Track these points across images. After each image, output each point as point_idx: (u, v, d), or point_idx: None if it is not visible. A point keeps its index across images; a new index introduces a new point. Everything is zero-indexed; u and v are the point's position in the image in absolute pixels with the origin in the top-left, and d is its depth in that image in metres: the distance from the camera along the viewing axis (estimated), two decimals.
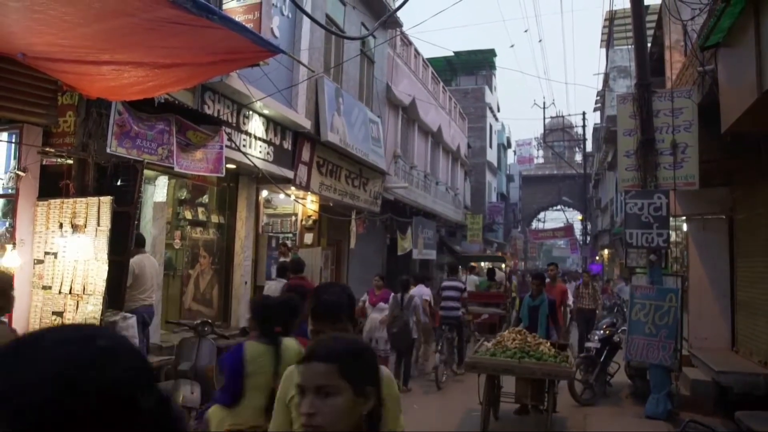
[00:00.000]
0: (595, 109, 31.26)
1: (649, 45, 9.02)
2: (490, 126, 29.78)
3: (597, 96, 28.66)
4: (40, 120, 5.14)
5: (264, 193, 9.69)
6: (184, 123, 6.19)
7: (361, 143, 11.80)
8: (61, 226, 4.86)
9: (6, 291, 2.92)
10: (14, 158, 5.16)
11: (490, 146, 29.85)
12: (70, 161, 5.25)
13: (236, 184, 9.01)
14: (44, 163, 5.30)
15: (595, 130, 30.86)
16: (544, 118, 29.76)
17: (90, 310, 4.49)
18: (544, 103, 33.37)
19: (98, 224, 4.67)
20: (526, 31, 22.84)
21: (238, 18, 7.11)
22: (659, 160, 7.01)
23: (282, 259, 8.99)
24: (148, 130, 5.71)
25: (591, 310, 10.68)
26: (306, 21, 9.51)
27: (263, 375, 2.82)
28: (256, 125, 8.58)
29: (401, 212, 15.34)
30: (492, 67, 31.25)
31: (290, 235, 10.72)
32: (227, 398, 2.86)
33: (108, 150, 5.21)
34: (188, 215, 8.27)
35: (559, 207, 44.02)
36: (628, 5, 9.22)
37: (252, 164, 7.86)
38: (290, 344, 2.94)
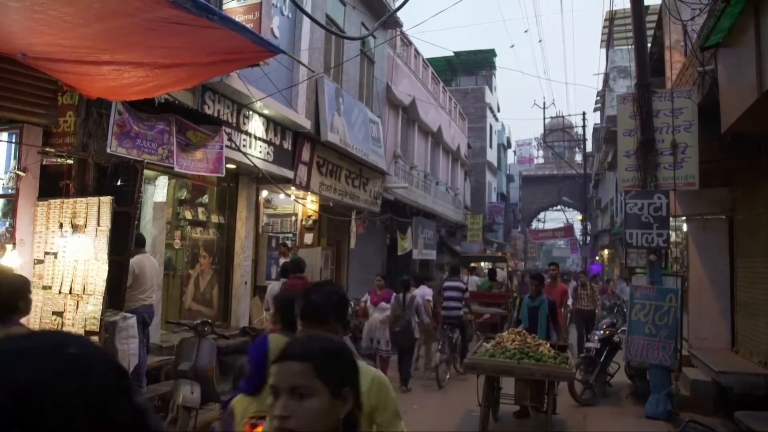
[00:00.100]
0: (595, 109, 31.27)
1: (649, 45, 9.02)
2: (490, 126, 29.79)
3: (597, 96, 28.66)
4: (40, 120, 5.14)
5: (264, 193, 9.70)
6: (184, 123, 6.19)
7: (361, 143, 11.81)
8: (61, 226, 4.86)
9: (24, 294, 2.96)
10: (14, 158, 5.16)
11: (490, 146, 29.86)
12: (70, 161, 5.25)
13: (236, 184, 9.01)
14: (44, 163, 5.30)
15: (595, 130, 30.87)
16: (544, 118, 29.76)
17: (90, 310, 4.49)
18: (544, 103, 33.36)
19: (98, 224, 4.67)
20: (526, 31, 22.85)
21: (238, 18, 7.11)
22: (659, 160, 7.01)
23: (283, 260, 8.99)
24: (148, 130, 5.71)
25: (590, 311, 10.66)
26: (306, 21, 9.51)
27: None
28: (256, 125, 8.58)
29: (401, 212, 15.34)
30: (492, 67, 31.26)
31: (290, 235, 10.72)
32: (251, 387, 2.97)
33: (108, 150, 5.21)
34: (188, 215, 8.27)
35: (559, 207, 44.02)
36: (628, 5, 9.22)
37: (252, 164, 7.87)
38: None
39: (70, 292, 4.63)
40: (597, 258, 30.30)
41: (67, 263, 4.72)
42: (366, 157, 12.03)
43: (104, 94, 4.89)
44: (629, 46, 20.38)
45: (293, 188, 9.81)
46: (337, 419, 1.20)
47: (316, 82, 10.14)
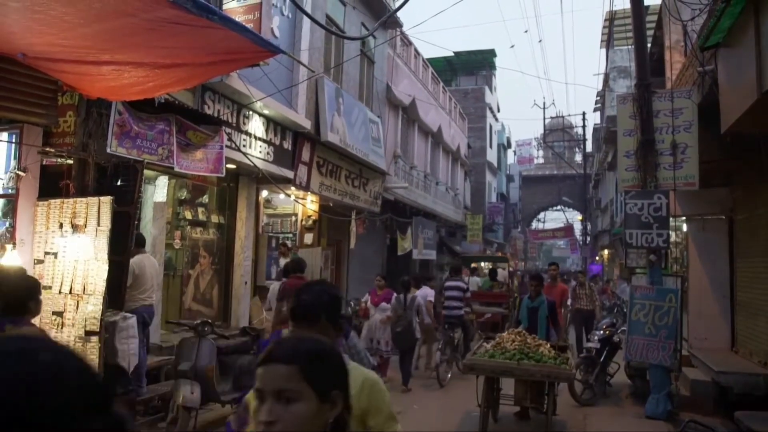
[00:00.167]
0: (595, 110, 31.27)
1: (649, 45, 9.02)
2: (490, 126, 29.79)
3: (597, 96, 28.66)
4: (41, 120, 5.14)
5: (264, 193, 9.70)
6: (184, 123, 6.19)
7: (361, 143, 11.81)
8: (61, 226, 4.86)
9: (35, 295, 3.02)
10: (14, 158, 5.16)
11: (490, 146, 29.86)
12: (70, 161, 5.25)
13: (236, 184, 9.01)
14: (44, 163, 5.30)
15: (595, 130, 30.86)
16: (544, 119, 29.75)
17: (90, 310, 4.49)
18: (544, 104, 33.39)
19: (98, 224, 4.67)
20: (526, 31, 22.88)
21: (238, 18, 7.11)
22: (659, 161, 7.01)
23: (283, 260, 9.00)
24: (148, 130, 5.71)
25: (589, 311, 10.60)
26: (306, 21, 9.51)
27: None
28: (256, 125, 8.58)
29: (401, 212, 15.34)
30: (492, 67, 31.27)
31: (290, 235, 10.72)
32: None
33: (108, 150, 5.21)
34: (188, 215, 8.27)
35: (559, 207, 44.02)
36: (628, 5, 9.22)
37: (252, 164, 7.87)
38: None
39: (70, 292, 4.63)
40: (597, 258, 30.29)
41: (67, 263, 4.72)
42: (366, 157, 12.03)
43: (104, 94, 4.89)
44: (629, 46, 20.39)
45: (293, 188, 9.81)
46: (325, 423, 1.16)
47: (316, 82, 10.14)
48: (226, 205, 9.03)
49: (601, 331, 7.97)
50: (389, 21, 12.69)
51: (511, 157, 42.31)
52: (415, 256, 15.84)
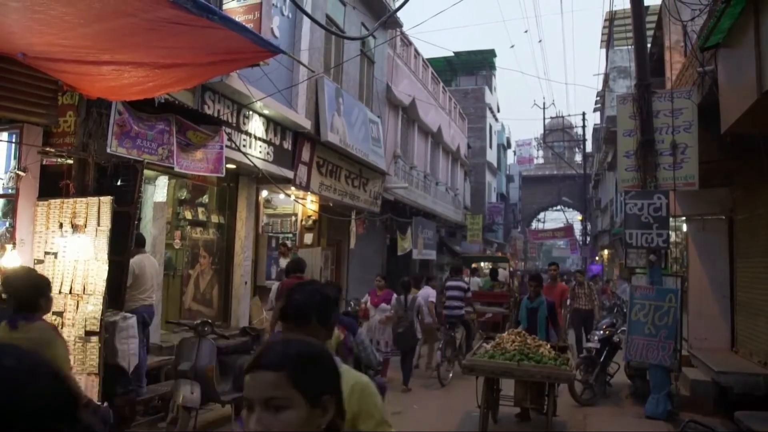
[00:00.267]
0: (595, 110, 31.27)
1: (649, 45, 9.02)
2: (490, 126, 29.80)
3: (597, 96, 28.67)
4: (41, 120, 5.13)
5: (264, 193, 9.70)
6: (184, 123, 6.19)
7: (361, 143, 11.81)
8: (61, 226, 4.86)
9: (46, 293, 3.12)
10: (14, 158, 5.16)
11: (490, 146, 29.87)
12: (70, 161, 5.25)
13: (236, 184, 9.01)
14: (44, 163, 5.29)
15: (595, 130, 30.87)
16: (544, 119, 29.78)
17: (90, 310, 4.49)
18: (543, 104, 33.46)
19: (98, 224, 4.67)
20: (526, 31, 22.91)
21: (238, 18, 7.11)
22: (659, 161, 7.01)
23: (283, 260, 9.00)
24: (148, 130, 5.71)
25: (588, 310, 10.53)
26: (306, 21, 9.51)
27: None
28: (256, 125, 8.58)
29: (401, 212, 15.35)
30: (492, 67, 31.27)
31: (290, 235, 10.72)
32: None
33: (108, 150, 5.21)
34: (188, 215, 8.27)
35: (558, 207, 44.03)
36: (628, 5, 9.22)
37: (252, 164, 7.87)
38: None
39: (70, 292, 4.63)
40: (597, 258, 30.30)
41: (67, 263, 4.72)
42: (366, 157, 12.03)
43: (104, 94, 4.89)
44: (629, 47, 20.39)
45: (293, 188, 9.82)
46: (317, 429, 1.12)
47: (316, 82, 10.14)
48: (226, 205, 9.03)
49: (601, 331, 7.98)
50: (389, 21, 12.69)
51: (510, 157, 42.32)
52: (415, 256, 15.85)
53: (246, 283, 9.01)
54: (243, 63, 5.03)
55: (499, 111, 33.14)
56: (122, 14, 3.27)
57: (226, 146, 7.01)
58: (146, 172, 5.91)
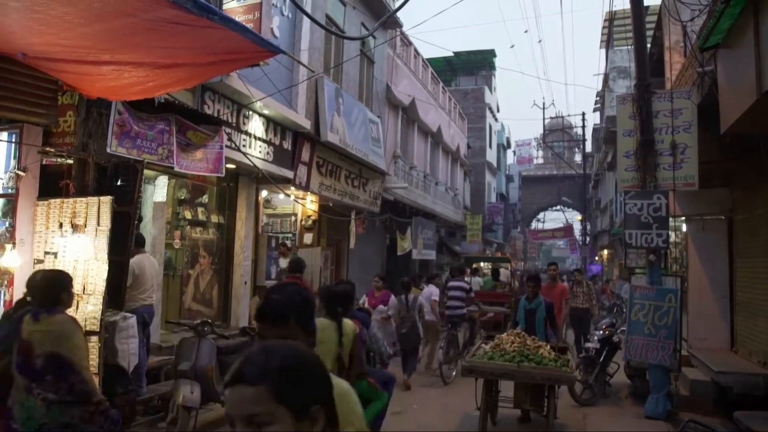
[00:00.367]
0: (594, 110, 31.30)
1: (648, 46, 9.03)
2: (490, 126, 29.81)
3: (597, 96, 28.68)
4: (41, 120, 5.13)
5: (264, 193, 9.70)
6: (184, 123, 6.19)
7: (361, 143, 11.81)
8: (61, 225, 4.86)
9: (67, 287, 3.30)
10: (14, 158, 5.16)
11: (490, 146, 29.87)
12: (70, 161, 5.25)
13: (236, 184, 9.02)
14: (44, 162, 5.29)
15: (595, 130, 30.89)
16: (544, 119, 29.80)
17: (90, 310, 4.49)
18: (543, 104, 33.44)
19: (98, 224, 4.67)
20: (526, 31, 22.94)
21: (238, 18, 7.11)
22: (659, 161, 7.01)
23: (283, 260, 9.01)
24: (148, 130, 5.71)
25: (584, 309, 10.45)
26: (306, 21, 9.51)
27: (330, 343, 3.71)
28: (256, 125, 8.58)
29: (401, 212, 15.35)
30: (492, 67, 31.28)
31: (290, 235, 10.72)
32: None
33: (108, 150, 5.21)
34: (188, 215, 8.27)
35: (558, 207, 44.05)
36: (627, 6, 9.22)
37: (252, 164, 7.87)
38: (348, 322, 3.88)
39: None
40: (596, 258, 30.31)
41: (67, 263, 4.72)
42: (366, 157, 12.03)
43: (104, 93, 4.89)
44: (629, 47, 20.39)
45: (293, 188, 9.82)
46: None
47: (316, 82, 10.15)
48: (226, 205, 9.03)
49: (601, 331, 7.98)
50: (389, 21, 12.70)
51: (510, 157, 42.34)
52: (415, 256, 15.85)
53: (246, 283, 9.02)
54: (243, 63, 5.03)
55: (498, 111, 33.15)
56: (122, 14, 3.27)
57: (226, 146, 7.01)
58: (146, 172, 5.91)
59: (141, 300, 5.69)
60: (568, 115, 46.88)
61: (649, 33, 10.08)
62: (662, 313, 6.68)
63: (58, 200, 4.95)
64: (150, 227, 6.86)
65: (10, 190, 5.13)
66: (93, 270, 4.59)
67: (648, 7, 12.17)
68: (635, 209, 6.88)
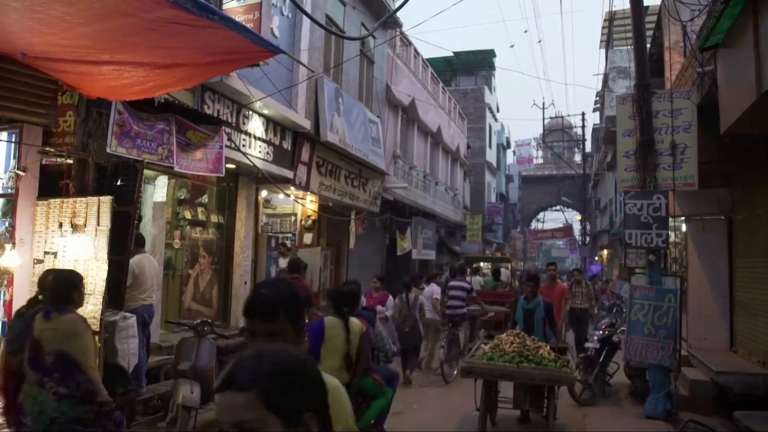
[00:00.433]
0: (594, 110, 31.30)
1: (648, 46, 9.03)
2: (490, 126, 29.81)
3: (596, 96, 28.68)
4: (40, 120, 5.14)
5: (263, 193, 9.70)
6: (184, 123, 6.19)
7: (361, 143, 11.81)
8: (60, 225, 4.86)
9: (78, 287, 3.36)
10: (14, 158, 5.16)
11: (490, 146, 29.88)
12: (70, 161, 5.25)
13: (236, 184, 9.01)
14: (44, 162, 5.30)
15: (595, 130, 30.89)
16: (544, 119, 29.83)
17: (90, 310, 4.49)
18: (543, 104, 33.47)
19: (98, 224, 4.67)
20: (525, 31, 22.96)
21: (238, 18, 7.11)
22: (658, 161, 7.01)
23: (282, 260, 9.00)
24: (148, 129, 5.71)
25: (583, 309, 10.41)
26: (306, 21, 9.51)
27: (338, 339, 4.00)
28: (255, 125, 8.58)
29: (400, 212, 15.35)
30: (491, 67, 31.29)
31: (290, 235, 10.72)
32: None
33: (108, 150, 5.21)
34: (188, 215, 8.27)
35: (558, 207, 44.05)
36: (627, 6, 9.23)
37: (252, 164, 7.87)
38: (354, 321, 4.14)
39: None
40: (596, 258, 30.32)
41: (66, 263, 4.72)
42: (365, 157, 12.03)
43: (104, 93, 4.89)
44: (629, 47, 20.39)
45: (293, 188, 9.82)
46: None
47: (315, 82, 10.15)
48: (226, 205, 9.03)
49: (601, 331, 7.98)
50: (389, 21, 12.70)
51: (510, 158, 42.34)
52: (415, 256, 15.85)
53: (246, 282, 9.01)
54: (243, 63, 5.03)
55: (498, 111, 33.15)
56: (122, 14, 3.27)
57: (226, 146, 7.02)
58: (146, 171, 5.91)
59: (141, 300, 5.69)
60: (568, 115, 46.92)
61: (649, 33, 10.08)
62: (662, 313, 6.69)
63: (58, 200, 4.95)
64: (150, 227, 6.86)
65: (9, 190, 5.13)
66: (93, 270, 4.59)
67: (648, 7, 12.18)
68: (635, 209, 6.89)
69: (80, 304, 3.45)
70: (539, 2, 20.61)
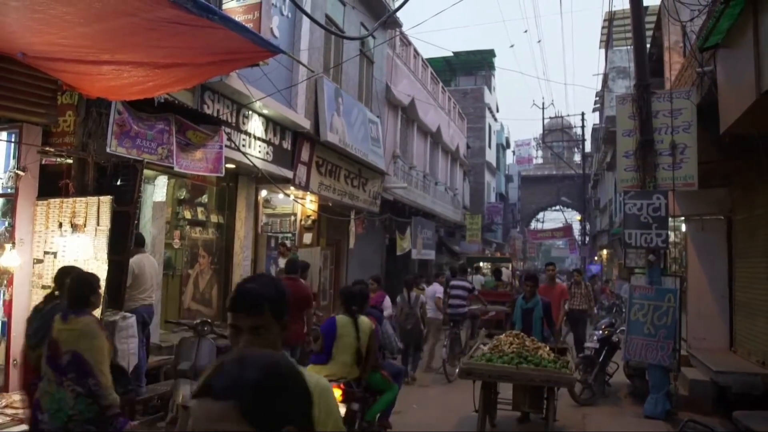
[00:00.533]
0: (594, 110, 31.29)
1: (648, 46, 9.04)
2: (489, 126, 29.82)
3: (596, 96, 28.69)
4: (40, 119, 5.14)
5: (263, 193, 9.70)
6: (183, 123, 6.19)
7: (361, 143, 11.81)
8: (60, 225, 4.86)
9: (96, 289, 3.43)
10: (14, 157, 5.17)
11: (489, 146, 29.89)
12: (70, 161, 5.26)
13: (235, 184, 9.01)
14: (44, 162, 5.30)
15: (594, 130, 30.90)
16: (543, 119, 29.78)
17: None
18: (543, 104, 33.50)
19: (98, 224, 4.67)
20: (525, 31, 22.95)
21: (238, 18, 7.11)
22: (658, 161, 7.02)
23: (282, 260, 9.00)
24: (148, 129, 5.71)
25: (582, 310, 10.35)
26: (306, 21, 9.51)
27: (349, 337, 4.27)
28: (255, 125, 8.58)
29: (400, 212, 15.35)
30: (491, 67, 31.29)
31: (289, 234, 10.72)
32: (323, 359, 4.36)
33: (108, 149, 5.21)
34: (187, 215, 8.27)
35: (558, 207, 44.04)
36: (627, 6, 9.23)
37: (251, 164, 7.87)
38: (364, 319, 4.42)
39: None
40: (596, 258, 30.32)
41: (66, 263, 4.71)
42: (365, 157, 12.03)
43: (104, 93, 4.89)
44: (628, 47, 20.39)
45: (292, 188, 9.82)
46: None
47: (315, 82, 10.15)
48: (226, 205, 9.03)
49: (600, 331, 7.99)
50: (389, 21, 12.69)
51: (510, 157, 42.36)
52: (414, 256, 15.85)
53: None
54: (243, 63, 5.03)
55: (498, 111, 33.16)
56: (122, 14, 3.27)
57: (226, 146, 7.02)
58: (146, 171, 5.90)
59: (141, 300, 5.69)
60: (568, 115, 46.99)
61: (649, 33, 10.09)
62: (661, 313, 6.69)
63: (58, 200, 4.95)
64: (149, 227, 6.86)
65: (9, 190, 5.14)
66: (93, 270, 4.58)
67: (647, 7, 12.18)
68: (635, 209, 6.89)
69: (97, 305, 3.54)
70: (539, 2, 20.65)
